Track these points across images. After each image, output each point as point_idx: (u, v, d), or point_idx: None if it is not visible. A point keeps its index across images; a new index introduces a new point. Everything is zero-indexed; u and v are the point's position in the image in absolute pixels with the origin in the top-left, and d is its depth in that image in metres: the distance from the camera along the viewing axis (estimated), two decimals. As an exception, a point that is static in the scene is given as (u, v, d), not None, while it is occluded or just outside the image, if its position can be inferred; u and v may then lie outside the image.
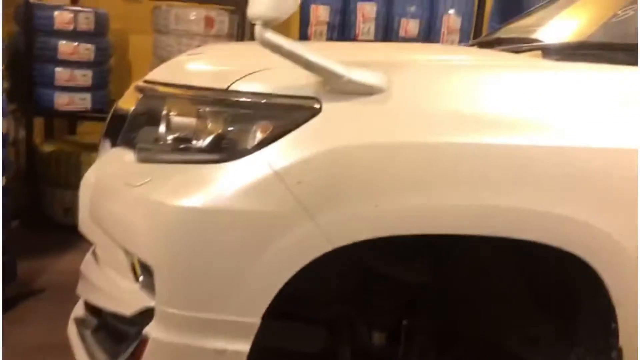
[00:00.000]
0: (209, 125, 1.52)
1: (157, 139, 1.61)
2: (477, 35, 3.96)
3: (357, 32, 3.86)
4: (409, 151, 1.41)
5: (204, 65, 1.77)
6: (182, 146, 1.54)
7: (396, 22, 3.84)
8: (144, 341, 1.50)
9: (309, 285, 1.47)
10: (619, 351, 1.53)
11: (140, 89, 1.76)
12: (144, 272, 1.56)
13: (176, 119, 1.56)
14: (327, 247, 1.41)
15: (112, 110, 1.95)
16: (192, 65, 1.78)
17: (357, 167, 1.40)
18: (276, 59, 1.44)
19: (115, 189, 1.62)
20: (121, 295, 1.62)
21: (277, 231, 1.41)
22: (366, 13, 3.84)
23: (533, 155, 1.43)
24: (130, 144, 1.70)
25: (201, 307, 1.45)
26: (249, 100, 1.48)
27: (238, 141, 1.47)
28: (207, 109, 1.53)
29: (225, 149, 1.47)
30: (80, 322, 1.85)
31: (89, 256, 1.86)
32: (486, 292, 1.73)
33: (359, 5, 3.82)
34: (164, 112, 1.59)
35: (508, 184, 1.41)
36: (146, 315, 1.53)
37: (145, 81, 1.77)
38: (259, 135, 1.45)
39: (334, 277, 1.73)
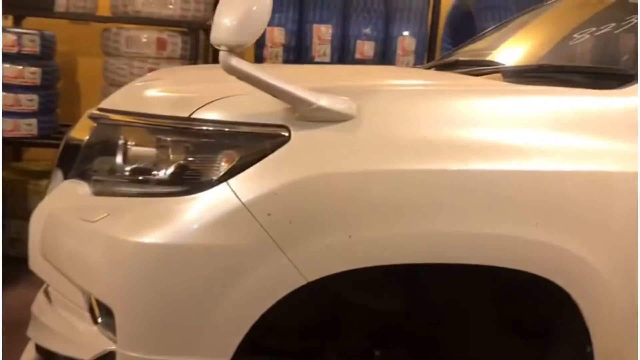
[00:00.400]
0: (170, 156, 1.44)
1: (113, 171, 1.53)
2: (430, 57, 4.00)
3: (313, 53, 3.84)
4: (381, 179, 1.37)
5: (163, 92, 1.68)
6: (140, 178, 1.46)
7: (352, 43, 3.84)
8: (105, 391, 1.41)
9: (278, 317, 1.41)
10: (594, 375, 1.53)
11: (94, 118, 1.67)
12: (103, 313, 1.46)
13: (134, 149, 1.47)
14: (301, 282, 1.35)
15: (64, 139, 1.85)
16: (150, 92, 1.70)
17: (328, 197, 1.35)
18: (239, 85, 1.39)
19: (70, 224, 1.52)
20: (78, 338, 1.51)
21: (246, 266, 1.34)
22: (322, 35, 3.82)
23: (505, 180, 1.41)
24: (84, 175, 1.61)
25: (166, 350, 1.36)
26: (212, 128, 1.41)
27: (202, 172, 1.40)
28: (168, 138, 1.45)
29: (188, 181, 1.40)
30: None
31: (40, 296, 1.75)
32: (460, 318, 1.70)
33: (315, 27, 3.81)
34: (121, 142, 1.50)
35: (480, 210, 1.39)
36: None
37: (100, 109, 1.68)
38: (224, 166, 1.38)
39: (304, 308, 1.66)
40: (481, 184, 1.39)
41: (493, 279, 1.56)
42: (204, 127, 1.42)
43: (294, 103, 1.36)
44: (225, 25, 1.30)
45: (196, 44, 3.80)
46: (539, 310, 1.58)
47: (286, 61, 3.85)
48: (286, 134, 1.38)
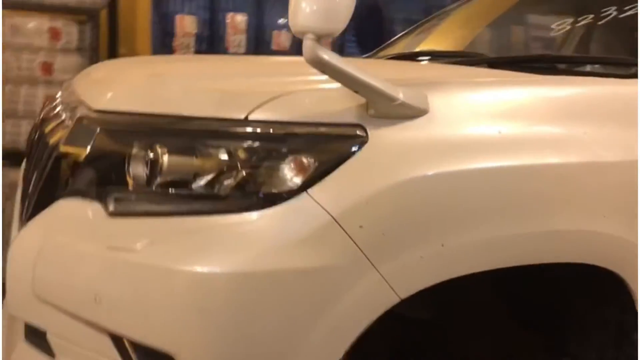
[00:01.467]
0: (225, 165, 1.21)
1: (139, 185, 1.25)
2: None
3: (227, 44, 3.59)
4: (470, 179, 1.25)
5: (197, 88, 1.40)
6: (188, 193, 1.20)
7: (268, 34, 3.66)
8: None
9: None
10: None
11: (93, 121, 1.35)
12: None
13: (174, 160, 1.21)
14: (395, 300, 1.20)
15: (29, 150, 1.50)
16: (179, 89, 1.41)
17: (420, 203, 1.21)
18: (282, 79, 1.20)
19: (92, 255, 1.22)
20: (109, 396, 1.22)
21: (336, 290, 1.16)
22: (237, 25, 3.59)
23: (578, 173, 1.37)
24: (89, 194, 1.30)
25: (247, 398, 1.15)
26: (276, 131, 1.21)
27: (270, 182, 1.19)
28: (220, 144, 1.21)
29: (253, 194, 1.18)
30: None
31: (24, 345, 1.40)
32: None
33: (229, 16, 3.56)
34: (150, 150, 1.23)
35: (564, 206, 1.34)
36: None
37: (102, 111, 1.36)
38: (297, 174, 1.18)
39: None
40: (562, 179, 1.34)
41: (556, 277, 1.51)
42: (267, 130, 1.21)
43: (376, 99, 1.20)
44: (309, 10, 1.10)
45: (96, 34, 3.37)
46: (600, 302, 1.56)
47: (198, 52, 3.56)
48: (363, 134, 1.22)
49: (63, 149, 1.37)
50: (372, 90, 1.19)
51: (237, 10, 3.60)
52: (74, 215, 1.30)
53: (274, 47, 3.70)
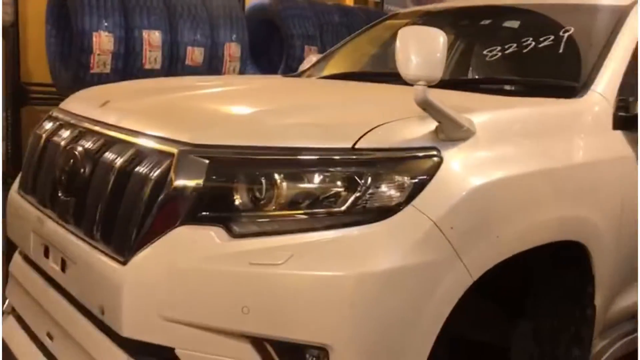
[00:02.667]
0: (336, 188, 1.46)
1: (259, 209, 1.46)
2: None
3: (143, 61, 3.62)
4: (516, 183, 1.66)
5: (300, 123, 1.63)
6: (313, 212, 1.44)
7: (182, 50, 3.74)
8: None
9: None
10: (593, 308, 2.08)
11: (203, 156, 1.50)
12: (297, 358, 1.41)
13: (289, 185, 1.44)
14: (470, 282, 1.55)
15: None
16: (284, 124, 1.63)
17: (488, 202, 1.58)
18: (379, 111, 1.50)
19: (233, 273, 1.40)
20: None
21: (438, 279, 1.48)
22: (152, 41, 3.62)
23: (574, 173, 1.85)
24: (208, 220, 1.47)
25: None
26: (380, 156, 1.49)
27: (380, 199, 1.47)
28: (332, 169, 1.46)
29: (370, 209, 1.45)
30: None
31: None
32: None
33: (145, 33, 3.58)
34: (270, 179, 1.45)
35: (564, 198, 1.80)
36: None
37: (210, 146, 1.51)
38: (400, 191, 1.48)
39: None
40: (565, 179, 1.80)
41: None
42: (373, 156, 1.48)
43: (451, 127, 1.54)
44: (416, 62, 1.41)
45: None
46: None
47: (115, 69, 3.55)
48: (438, 154, 1.55)
49: (172, 182, 1.50)
50: (451, 121, 1.53)
51: (151, 27, 3.64)
52: (199, 240, 1.46)
53: (188, 62, 3.81)
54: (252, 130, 1.59)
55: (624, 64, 2.25)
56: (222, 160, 1.50)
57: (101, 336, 1.63)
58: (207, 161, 1.50)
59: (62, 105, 2.26)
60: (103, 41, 3.47)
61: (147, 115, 1.80)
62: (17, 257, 2.23)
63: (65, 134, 2.00)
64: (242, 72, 4.07)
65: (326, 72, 3.13)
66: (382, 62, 3.43)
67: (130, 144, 1.69)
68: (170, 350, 1.47)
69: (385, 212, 1.46)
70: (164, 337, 1.47)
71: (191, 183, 1.49)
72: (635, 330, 2.53)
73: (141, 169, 1.59)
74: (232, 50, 3.96)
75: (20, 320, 2.13)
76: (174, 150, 1.55)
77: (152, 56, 3.65)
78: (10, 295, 2.23)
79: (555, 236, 1.82)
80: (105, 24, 3.46)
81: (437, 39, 1.45)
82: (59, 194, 1.86)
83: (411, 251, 1.44)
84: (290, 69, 4.32)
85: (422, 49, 1.43)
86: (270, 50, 4.77)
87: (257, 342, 1.42)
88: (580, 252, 1.95)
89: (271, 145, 1.51)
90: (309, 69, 3.30)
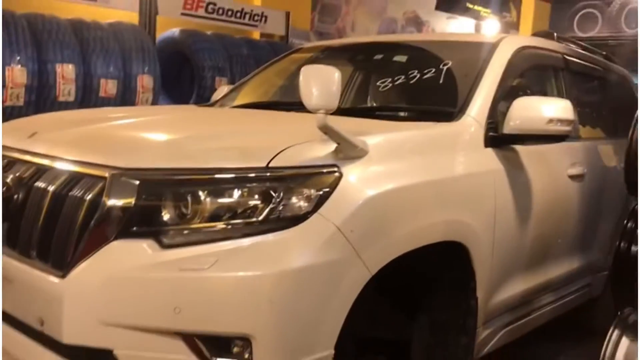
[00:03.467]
0: (254, 201, 1.71)
1: (186, 223, 1.68)
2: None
3: (57, 93, 3.70)
4: (406, 192, 1.97)
5: (219, 147, 1.86)
6: (233, 223, 1.68)
7: (96, 82, 3.86)
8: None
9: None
10: (476, 300, 2.42)
11: (133, 178, 1.70)
12: (223, 349, 1.63)
13: (218, 200, 1.68)
14: (368, 276, 1.84)
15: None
16: (205, 148, 1.86)
17: (381, 210, 1.88)
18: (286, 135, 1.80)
19: (169, 278, 1.60)
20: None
21: (342, 274, 1.76)
22: (66, 74, 3.72)
23: (450, 184, 2.19)
24: (140, 234, 1.67)
25: (300, 354, 1.67)
26: (290, 173, 1.75)
27: (291, 208, 1.72)
28: (252, 185, 1.71)
29: (284, 218, 1.71)
30: None
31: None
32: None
33: (58, 66, 3.68)
34: (194, 195, 1.68)
35: (442, 204, 2.13)
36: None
37: (140, 169, 1.71)
38: (307, 202, 1.74)
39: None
40: (446, 188, 2.15)
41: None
42: (284, 173, 1.75)
43: (346, 147, 1.83)
44: (318, 93, 1.69)
45: None
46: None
47: (28, 102, 3.63)
48: (339, 171, 1.84)
49: (105, 202, 1.69)
50: (347, 142, 1.82)
51: (65, 61, 3.74)
52: (132, 252, 1.66)
53: (102, 94, 3.92)
54: (177, 154, 1.83)
55: (492, 91, 2.66)
56: (151, 181, 1.72)
57: (39, 347, 1.77)
58: (137, 182, 1.71)
59: (-11, 137, 2.37)
60: (16, 75, 3.55)
61: (77, 144, 1.98)
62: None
63: (-6, 164, 2.12)
64: (154, 102, 4.25)
65: (237, 102, 3.39)
66: (289, 92, 3.74)
67: (63, 171, 1.87)
68: (109, 352, 1.65)
69: (296, 220, 1.72)
70: (103, 340, 1.64)
71: (123, 202, 1.70)
72: (515, 321, 2.93)
73: (75, 192, 1.77)
74: (145, 81, 4.13)
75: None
76: (105, 174, 1.75)
77: (66, 89, 3.77)
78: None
79: (439, 237, 2.15)
80: (18, 57, 3.55)
81: (333, 75, 1.76)
82: (-8, 220, 1.98)
83: (319, 251, 1.71)
84: (202, 99, 4.55)
85: (320, 84, 1.72)
86: (181, 81, 4.98)
87: (188, 338, 1.63)
88: (461, 251, 2.31)
89: (195, 166, 1.75)
90: (221, 99, 3.54)
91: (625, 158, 2.72)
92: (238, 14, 5.12)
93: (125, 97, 4.09)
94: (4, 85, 3.49)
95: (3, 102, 3.51)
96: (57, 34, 3.81)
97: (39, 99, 3.70)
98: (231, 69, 4.76)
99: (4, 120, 3.55)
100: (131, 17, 4.53)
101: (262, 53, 5.08)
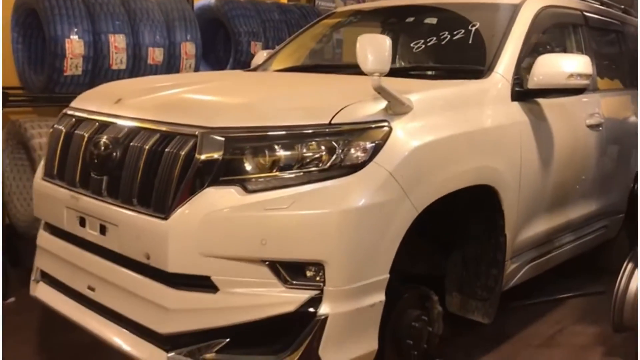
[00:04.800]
0: (320, 152, 2.04)
1: (265, 172, 2.02)
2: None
3: (110, 62, 4.01)
4: (444, 143, 2.29)
5: (288, 107, 2.21)
6: (305, 171, 2.01)
7: (144, 51, 4.16)
8: (323, 320, 1.96)
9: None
10: (504, 237, 2.75)
11: (220, 136, 2.05)
12: (295, 274, 1.99)
13: (291, 153, 2.02)
14: (415, 214, 2.17)
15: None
16: (276, 108, 2.21)
17: (425, 157, 2.21)
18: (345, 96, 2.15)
19: (253, 216, 1.96)
20: (273, 300, 1.98)
21: (395, 212, 2.10)
22: (118, 44, 4.02)
23: (485, 134, 2.50)
24: (225, 183, 2.01)
25: (362, 277, 2.03)
26: (349, 128, 2.08)
27: (351, 158, 2.05)
28: (318, 139, 2.04)
29: (347, 166, 2.04)
30: (187, 354, 2.04)
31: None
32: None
33: (111, 37, 3.98)
34: (272, 149, 2.01)
35: (476, 153, 2.45)
36: (308, 305, 1.98)
37: (226, 128, 2.06)
38: (364, 152, 2.07)
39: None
40: (478, 139, 2.46)
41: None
42: (344, 128, 2.07)
43: (397, 105, 2.14)
44: (373, 59, 2.00)
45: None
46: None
47: (85, 70, 3.94)
48: (388, 125, 2.15)
49: (198, 156, 2.03)
50: (396, 100, 2.13)
51: (116, 31, 4.04)
52: (223, 196, 2.01)
53: (150, 61, 4.22)
54: (254, 114, 2.17)
55: (517, 50, 2.93)
56: (235, 138, 2.06)
57: (143, 278, 2.14)
58: (223, 139, 2.05)
59: (74, 104, 2.71)
60: (74, 46, 3.86)
61: (165, 108, 2.31)
62: (43, 233, 2.68)
63: (87, 127, 2.46)
64: (196, 69, 4.54)
65: (279, 66, 3.68)
66: (325, 55, 4.04)
67: (155, 131, 2.20)
68: (207, 278, 2.02)
69: (355, 167, 2.06)
70: (202, 268, 2.01)
71: (213, 156, 2.04)
72: (539, 258, 3.26)
73: (170, 149, 2.11)
74: (188, 48, 4.42)
75: (54, 282, 2.59)
76: (196, 132, 2.08)
77: (118, 57, 4.07)
78: (40, 264, 2.68)
79: (473, 181, 2.47)
80: (75, 29, 3.85)
81: (385, 42, 2.06)
82: (92, 175, 2.33)
83: (375, 193, 2.05)
84: (240, 63, 4.82)
85: (375, 50, 2.03)
86: (217, 47, 5.25)
87: (272, 265, 1.99)
88: (492, 194, 2.63)
89: (270, 124, 2.08)
90: (262, 63, 3.84)
91: (640, 107, 3.01)
92: (268, -20, 5.36)
93: (171, 64, 4.38)
94: (64, 56, 3.82)
95: (64, 71, 3.84)
96: (108, 7, 4.09)
97: (95, 68, 4.01)
98: (265, 34, 5.03)
99: (64, 89, 3.90)
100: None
101: (293, 17, 5.32)
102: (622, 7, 4.46)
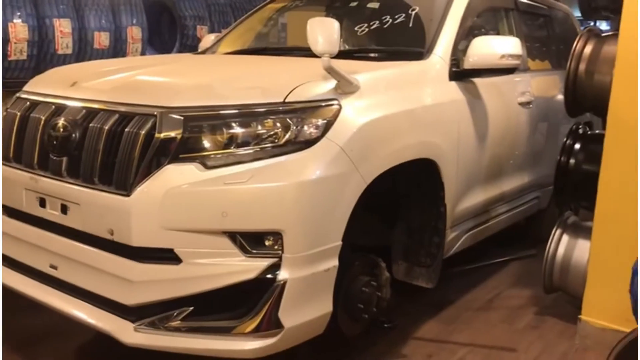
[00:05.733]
0: (275, 129, 2.17)
1: (223, 148, 2.13)
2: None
3: (56, 47, 4.00)
4: (389, 119, 2.46)
5: (243, 86, 2.32)
6: (262, 147, 2.14)
7: (90, 35, 4.15)
8: (282, 285, 2.11)
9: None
10: (445, 207, 2.96)
11: (179, 115, 2.15)
12: (259, 243, 2.13)
13: (247, 130, 2.14)
14: (364, 185, 2.34)
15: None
16: (232, 87, 2.32)
17: (374, 133, 2.38)
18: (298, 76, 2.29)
19: (217, 190, 2.08)
20: (234, 269, 2.11)
21: (345, 184, 2.26)
22: (63, 29, 4.01)
23: (424, 113, 2.69)
24: (184, 160, 2.12)
25: (317, 244, 2.18)
26: (302, 106, 2.22)
27: (305, 134, 2.19)
28: (273, 117, 2.17)
29: (301, 141, 2.18)
30: (152, 324, 2.14)
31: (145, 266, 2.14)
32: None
33: (55, 21, 3.96)
34: (226, 128, 2.13)
35: (420, 129, 2.64)
36: (268, 271, 2.12)
37: (182, 107, 2.15)
38: (316, 129, 2.21)
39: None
40: (419, 116, 2.65)
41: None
42: (298, 106, 2.21)
43: (345, 84, 2.29)
44: (324, 40, 2.15)
45: None
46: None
47: (30, 55, 3.93)
48: (338, 103, 2.31)
49: (158, 135, 2.13)
50: (345, 80, 2.28)
51: (61, 15, 4.01)
52: (184, 172, 2.12)
53: (96, 46, 4.22)
54: (211, 93, 2.28)
55: (454, 33, 3.14)
56: (193, 117, 2.17)
57: (107, 253, 2.23)
58: (182, 118, 2.15)
59: (27, 88, 2.74)
60: (18, 30, 3.83)
61: (122, 90, 2.39)
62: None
63: (43, 110, 2.51)
64: (143, 52, 4.58)
65: (227, 49, 3.78)
66: (273, 38, 4.15)
67: (114, 112, 2.28)
68: (170, 250, 2.13)
69: (309, 143, 2.20)
70: (165, 241, 2.12)
71: (172, 134, 2.14)
72: (477, 227, 3.50)
73: (130, 129, 2.20)
74: (134, 32, 4.45)
75: (13, 264, 2.63)
76: (154, 112, 2.18)
77: (64, 42, 4.07)
78: (-1, 246, 2.71)
79: (415, 154, 2.67)
80: (19, 13, 3.82)
81: (334, 26, 2.21)
82: (51, 157, 2.39)
83: (328, 166, 2.20)
84: (185, 47, 4.89)
85: (324, 33, 2.17)
86: (162, 31, 5.29)
87: (232, 235, 2.12)
88: (433, 167, 2.83)
89: (226, 103, 2.20)
90: (211, 47, 3.92)
91: (565, 86, 3.27)
92: (212, -36, 5.40)
93: (117, 48, 4.40)
94: (7, 40, 3.77)
95: (8, 56, 3.80)
96: (52, -9, 4.08)
97: (40, 52, 3.99)
98: (210, 18, 5.09)
99: (9, 74, 3.87)
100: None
101: (238, 1, 5.40)
102: (549, -8, 4.76)
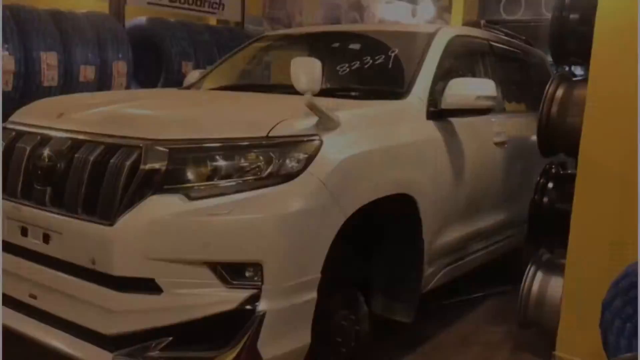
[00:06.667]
0: (258, 162, 2.23)
1: (207, 180, 2.19)
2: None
3: (42, 79, 4.04)
4: (368, 155, 2.54)
5: (228, 120, 2.39)
6: (244, 179, 2.19)
7: (75, 69, 4.21)
8: (261, 316, 2.13)
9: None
10: (422, 242, 3.02)
11: (164, 147, 2.20)
12: (236, 275, 2.16)
13: (231, 163, 2.20)
14: (344, 218, 2.40)
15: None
16: (217, 122, 2.39)
17: (351, 167, 2.44)
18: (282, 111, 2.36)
19: (200, 221, 2.11)
20: (214, 299, 2.14)
21: (325, 217, 2.31)
22: (50, 62, 4.06)
23: (400, 150, 2.77)
24: (168, 191, 2.17)
25: (297, 276, 2.22)
26: (285, 141, 2.29)
27: (287, 167, 2.25)
28: (256, 150, 2.23)
29: (283, 175, 2.24)
30: (130, 354, 2.15)
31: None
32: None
33: (43, 55, 4.01)
34: (214, 160, 2.19)
35: (397, 166, 2.71)
36: (247, 302, 2.15)
37: (165, 139, 2.20)
38: (298, 163, 2.28)
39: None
40: (398, 152, 2.73)
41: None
42: (280, 141, 2.28)
43: (327, 121, 2.37)
44: (307, 79, 2.23)
45: None
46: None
47: (16, 87, 3.96)
48: (320, 138, 2.38)
49: (143, 166, 2.18)
50: (326, 117, 2.36)
51: (48, 49, 4.07)
52: (167, 203, 2.16)
53: (82, 79, 4.27)
54: (196, 127, 2.34)
55: (432, 74, 3.26)
56: (178, 149, 2.22)
57: (87, 283, 2.25)
58: (167, 150, 2.20)
59: (13, 118, 2.78)
60: (6, 62, 3.88)
61: (109, 122, 2.44)
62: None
63: (28, 140, 2.55)
64: (128, 87, 4.64)
65: (212, 85, 3.86)
66: (257, 76, 4.25)
67: (100, 143, 2.33)
68: (152, 280, 2.15)
69: (290, 176, 2.26)
70: (147, 271, 2.14)
71: (157, 166, 2.19)
72: (454, 262, 3.57)
73: (115, 160, 2.24)
74: (120, 67, 4.52)
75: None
76: (140, 144, 2.23)
77: (50, 75, 4.12)
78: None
79: (393, 190, 2.74)
80: (6, 46, 3.87)
81: (316, 65, 2.30)
82: (35, 186, 2.42)
83: (308, 199, 2.26)
84: (170, 83, 4.96)
85: (307, 71, 2.26)
86: (146, 66, 5.36)
87: (213, 266, 2.15)
88: (410, 203, 2.90)
89: (211, 137, 2.25)
90: (196, 82, 4.00)
91: (537, 127, 3.39)
92: (198, 2, 5.52)
93: (102, 82, 4.46)
94: (-5, 73, 3.82)
95: (-7, 87, 3.85)
96: (39, 24, 4.13)
97: (26, 84, 4.03)
98: (195, 54, 5.18)
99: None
100: (101, 7, 4.87)
101: (222, 38, 5.51)
102: (524, 37, 4.95)
